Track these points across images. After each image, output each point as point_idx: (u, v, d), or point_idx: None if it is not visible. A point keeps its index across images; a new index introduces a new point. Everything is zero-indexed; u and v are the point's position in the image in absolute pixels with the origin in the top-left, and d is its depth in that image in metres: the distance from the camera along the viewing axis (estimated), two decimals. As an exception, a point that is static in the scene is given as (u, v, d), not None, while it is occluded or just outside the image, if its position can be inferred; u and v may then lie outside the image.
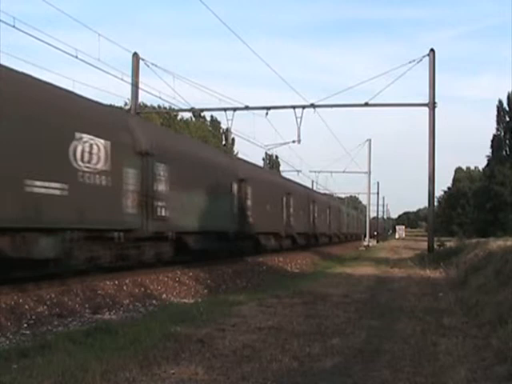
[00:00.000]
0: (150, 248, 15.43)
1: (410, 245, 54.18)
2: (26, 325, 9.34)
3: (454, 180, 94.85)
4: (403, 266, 23.34)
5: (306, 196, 36.99)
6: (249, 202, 23.07)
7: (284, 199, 29.29)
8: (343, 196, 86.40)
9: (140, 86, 26.87)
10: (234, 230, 21.24)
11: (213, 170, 19.40)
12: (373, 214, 78.58)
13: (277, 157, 76.87)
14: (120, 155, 13.35)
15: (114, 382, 5.34)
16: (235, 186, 21.62)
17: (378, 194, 79.89)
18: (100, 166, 12.57)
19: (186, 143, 21.01)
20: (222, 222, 19.92)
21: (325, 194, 56.29)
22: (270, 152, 52.03)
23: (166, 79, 33.15)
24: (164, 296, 13.65)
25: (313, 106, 27.19)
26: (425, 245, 29.70)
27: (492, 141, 68.92)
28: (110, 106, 29.74)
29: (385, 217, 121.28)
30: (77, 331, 8.24)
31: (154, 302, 12.73)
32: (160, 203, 15.21)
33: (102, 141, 12.72)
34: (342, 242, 56.91)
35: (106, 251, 13.37)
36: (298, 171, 52.62)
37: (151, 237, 15.08)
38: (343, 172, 55.46)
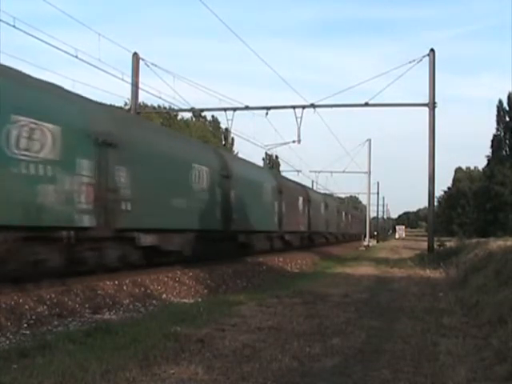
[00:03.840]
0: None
1: (410, 245, 54.16)
2: (26, 325, 9.32)
3: (454, 180, 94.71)
4: (403, 266, 23.34)
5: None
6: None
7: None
8: (343, 196, 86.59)
9: (140, 85, 26.94)
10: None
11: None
12: (373, 214, 78.77)
13: (277, 157, 76.95)
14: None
15: (113, 382, 5.34)
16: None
17: (377, 194, 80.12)
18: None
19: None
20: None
21: (325, 194, 56.25)
22: (270, 152, 52.11)
23: (166, 79, 33.17)
24: (164, 296, 13.64)
25: (313, 106, 27.19)
26: (425, 245, 29.69)
27: (492, 141, 68.80)
28: (111, 105, 29.71)
29: (385, 217, 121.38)
30: (77, 331, 8.23)
31: (154, 302, 12.72)
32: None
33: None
34: (341, 242, 56.87)
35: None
36: (298, 171, 52.72)
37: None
38: (343, 172, 55.40)
